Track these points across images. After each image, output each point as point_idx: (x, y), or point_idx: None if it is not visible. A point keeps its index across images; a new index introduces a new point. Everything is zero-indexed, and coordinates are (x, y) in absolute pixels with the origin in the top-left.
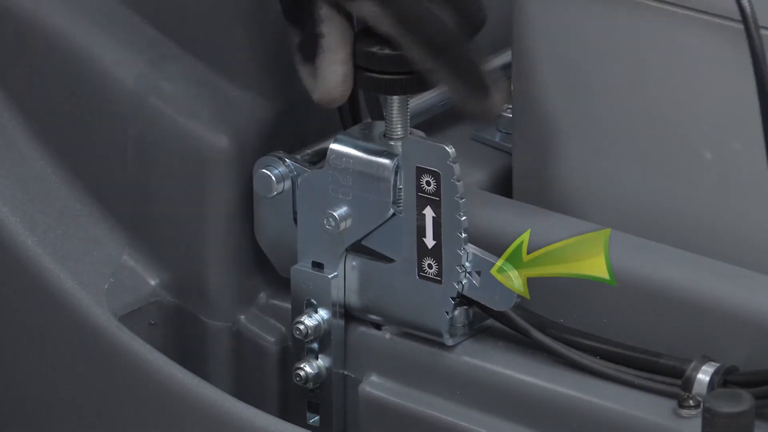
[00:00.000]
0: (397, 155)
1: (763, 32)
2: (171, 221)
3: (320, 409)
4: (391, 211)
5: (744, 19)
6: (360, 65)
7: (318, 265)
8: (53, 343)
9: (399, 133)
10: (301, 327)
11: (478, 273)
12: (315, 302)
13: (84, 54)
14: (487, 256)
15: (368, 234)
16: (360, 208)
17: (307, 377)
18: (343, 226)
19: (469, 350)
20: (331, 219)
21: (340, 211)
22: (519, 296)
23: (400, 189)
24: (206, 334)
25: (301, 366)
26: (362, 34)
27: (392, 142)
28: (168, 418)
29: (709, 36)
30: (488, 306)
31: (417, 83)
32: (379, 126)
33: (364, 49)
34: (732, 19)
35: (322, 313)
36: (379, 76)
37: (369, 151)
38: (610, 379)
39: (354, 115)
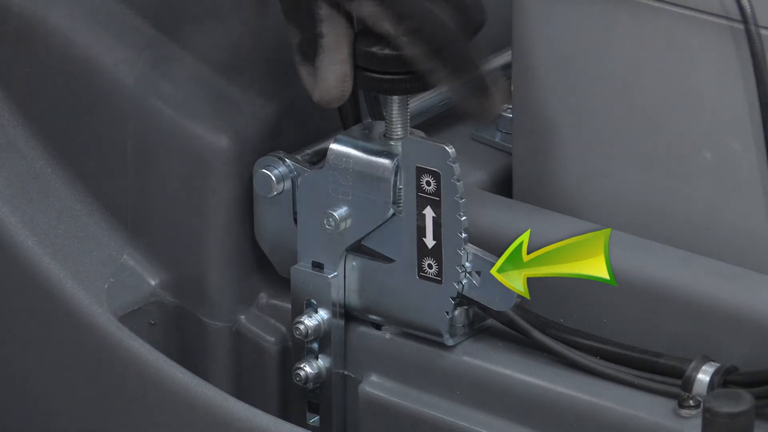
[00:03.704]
0: (397, 155)
1: (764, 32)
2: (171, 221)
3: (320, 409)
4: (391, 211)
5: (744, 19)
6: (360, 65)
7: (318, 266)
8: (53, 343)
9: (399, 133)
10: (301, 327)
11: (478, 273)
12: (315, 302)
13: (84, 54)
14: (487, 256)
15: (368, 234)
16: (360, 208)
17: (307, 377)
18: (343, 226)
19: (469, 350)
20: (331, 219)
21: (340, 211)
22: (519, 296)
23: (400, 189)
24: (206, 334)
25: (301, 366)
26: (362, 34)
27: (392, 142)
28: (168, 418)
29: (709, 36)
30: (488, 306)
31: (417, 83)
32: (379, 126)
33: (364, 49)
34: (732, 19)
35: (322, 314)
36: (379, 76)
37: (369, 151)
38: (610, 379)
39: (354, 115)
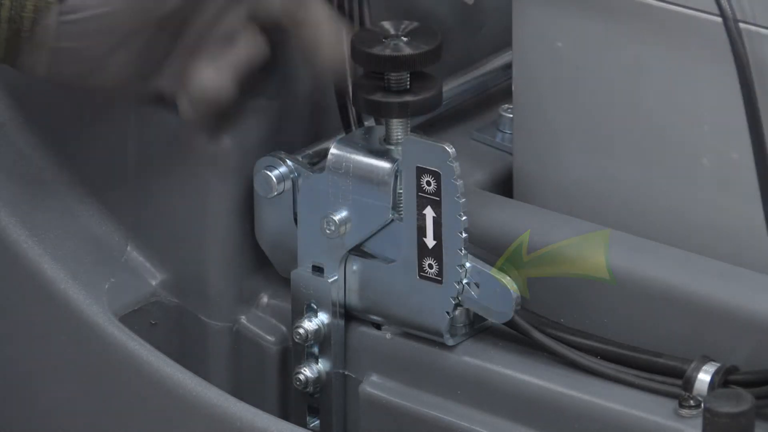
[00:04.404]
0: (396, 159)
1: (763, 31)
2: (171, 221)
3: (320, 412)
4: (391, 215)
5: (724, 17)
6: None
7: (318, 269)
8: (53, 343)
9: (399, 136)
10: (301, 331)
11: (477, 284)
12: (315, 306)
13: None
14: (486, 267)
15: (368, 238)
16: (360, 212)
17: (307, 381)
18: (343, 230)
19: (469, 350)
20: (330, 223)
21: (340, 215)
22: (517, 306)
23: (400, 193)
24: (206, 334)
25: (301, 370)
26: (361, 34)
27: (392, 146)
28: (168, 418)
29: (708, 36)
30: (487, 318)
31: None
32: (380, 130)
33: (365, 50)
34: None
35: (322, 317)
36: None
37: (369, 155)
38: (610, 379)
39: (356, 117)
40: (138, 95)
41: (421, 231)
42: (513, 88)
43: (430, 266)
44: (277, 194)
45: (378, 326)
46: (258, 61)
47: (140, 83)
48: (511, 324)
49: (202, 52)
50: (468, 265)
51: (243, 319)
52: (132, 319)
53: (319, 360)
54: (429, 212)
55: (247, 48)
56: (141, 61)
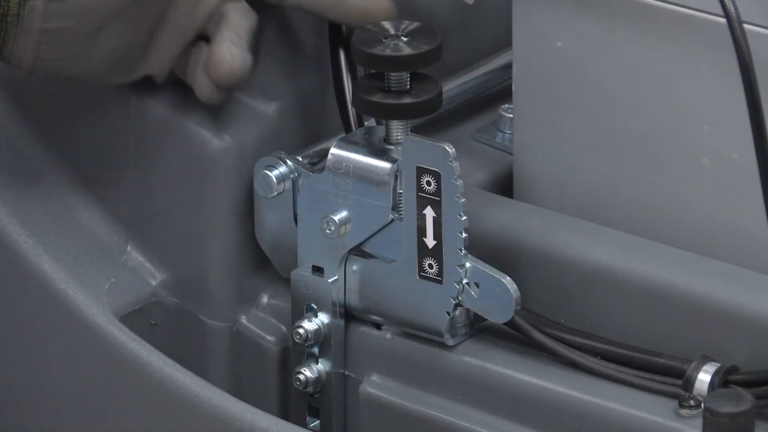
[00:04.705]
0: (396, 159)
1: (762, 30)
2: (171, 221)
3: (320, 413)
4: (391, 216)
5: (728, 17)
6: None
7: (318, 269)
8: (53, 343)
9: (399, 137)
10: (301, 331)
11: (477, 284)
12: (315, 306)
13: None
14: (486, 268)
15: (368, 238)
16: (360, 212)
17: (307, 381)
18: (343, 230)
19: (469, 350)
20: (330, 224)
21: (340, 216)
22: (518, 305)
23: (400, 194)
24: (206, 334)
25: (301, 370)
26: (362, 34)
27: (392, 146)
28: (168, 418)
29: (709, 36)
30: (487, 318)
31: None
32: (380, 130)
33: (365, 50)
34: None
35: (323, 318)
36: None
37: (369, 155)
38: (610, 379)
39: (356, 118)
40: (127, 81)
41: (421, 231)
42: (513, 88)
43: (430, 266)
44: (277, 194)
45: (378, 326)
46: (255, 27)
47: (128, 67)
48: (511, 324)
49: (192, 36)
50: (468, 265)
51: (243, 319)
52: (132, 319)
53: (319, 360)
54: (429, 212)
55: (245, 17)
56: (127, 41)
